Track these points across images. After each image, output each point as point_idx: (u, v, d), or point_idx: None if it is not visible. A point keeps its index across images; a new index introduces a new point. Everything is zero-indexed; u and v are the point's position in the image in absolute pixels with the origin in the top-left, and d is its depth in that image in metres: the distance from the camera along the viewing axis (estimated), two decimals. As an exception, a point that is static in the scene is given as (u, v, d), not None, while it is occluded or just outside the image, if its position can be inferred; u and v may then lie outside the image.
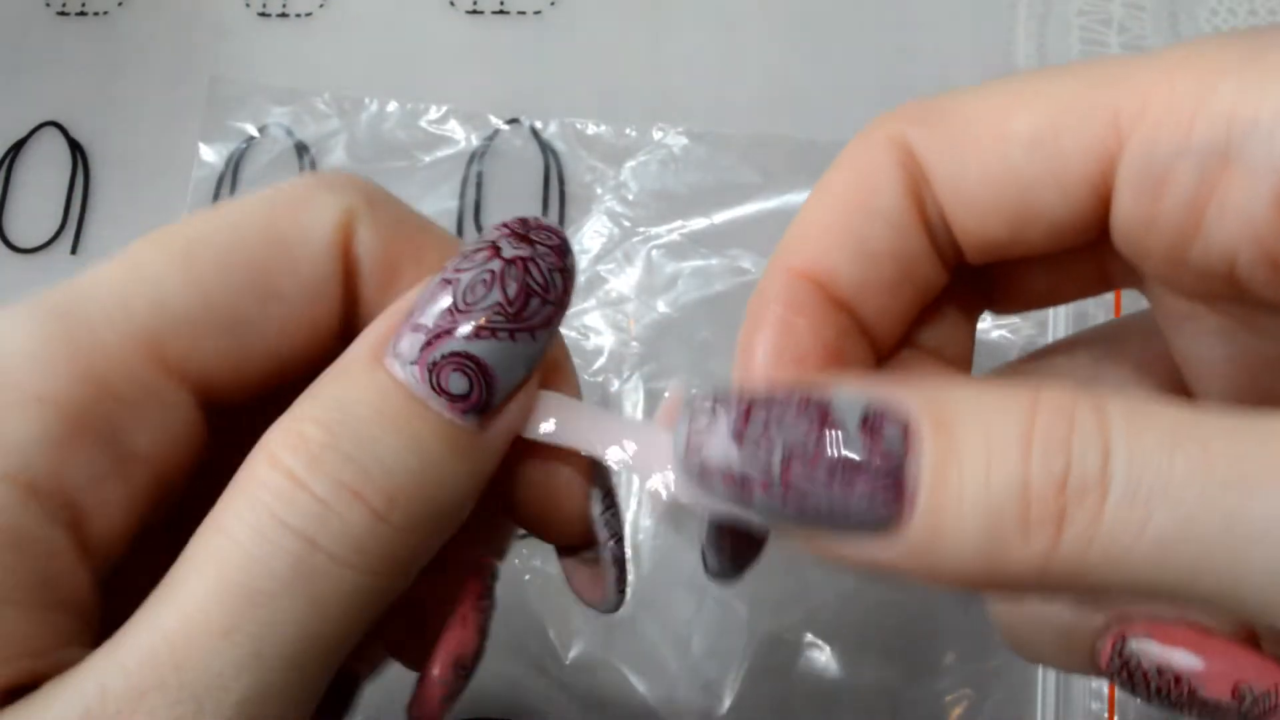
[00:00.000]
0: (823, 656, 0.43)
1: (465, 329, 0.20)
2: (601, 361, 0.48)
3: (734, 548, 0.22)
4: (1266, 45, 0.19)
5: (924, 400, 0.19)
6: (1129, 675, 0.21)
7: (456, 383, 0.20)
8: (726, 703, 0.42)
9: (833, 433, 0.19)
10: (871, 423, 0.19)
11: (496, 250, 0.21)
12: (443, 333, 0.20)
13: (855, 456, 0.19)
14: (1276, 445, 0.17)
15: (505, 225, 0.22)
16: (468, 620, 0.23)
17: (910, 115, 0.22)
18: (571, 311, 0.49)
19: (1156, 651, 0.21)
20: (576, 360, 0.48)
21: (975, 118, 0.22)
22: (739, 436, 0.19)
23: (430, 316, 0.20)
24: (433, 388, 0.20)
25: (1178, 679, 0.20)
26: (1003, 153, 0.21)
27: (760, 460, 0.19)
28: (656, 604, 0.44)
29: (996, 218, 0.22)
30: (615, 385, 0.48)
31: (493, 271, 0.21)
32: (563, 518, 0.24)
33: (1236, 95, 0.19)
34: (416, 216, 0.24)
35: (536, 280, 0.21)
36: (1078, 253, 0.23)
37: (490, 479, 0.22)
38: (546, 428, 0.22)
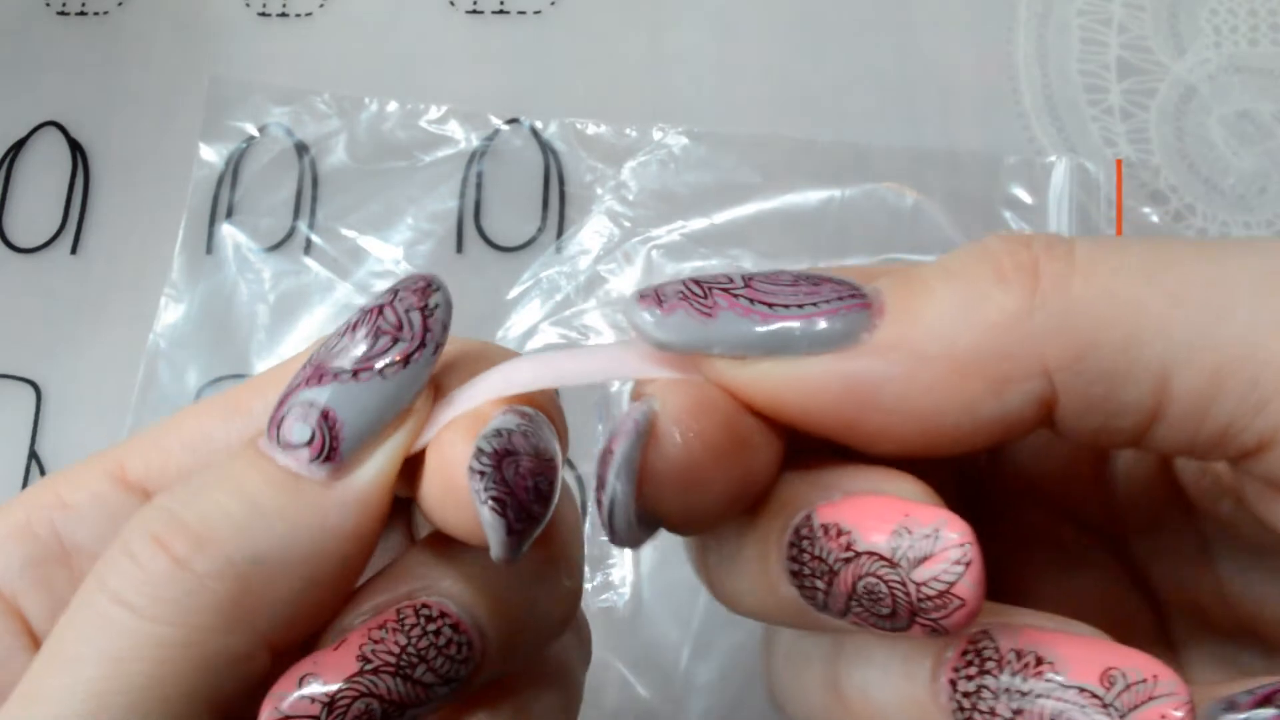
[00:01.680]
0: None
1: (311, 379, 0.20)
2: (601, 361, 0.48)
3: (640, 514, 0.20)
4: None
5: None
6: (980, 662, 0.19)
7: (298, 431, 0.20)
8: (726, 702, 0.42)
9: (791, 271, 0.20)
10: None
11: (362, 309, 0.21)
12: (295, 386, 0.20)
13: (815, 276, 0.20)
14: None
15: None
16: (347, 643, 0.20)
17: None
18: (571, 311, 0.49)
19: (1016, 637, 0.19)
20: (576, 360, 0.48)
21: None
22: (695, 280, 0.20)
23: (289, 386, 0.20)
24: (276, 441, 0.20)
25: (1039, 660, 0.18)
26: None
27: (722, 278, 0.20)
28: (656, 603, 0.44)
29: None
30: (615, 385, 0.48)
31: (347, 324, 0.20)
32: (442, 480, 0.20)
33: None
34: None
35: (388, 321, 0.20)
36: None
37: (373, 534, 0.21)
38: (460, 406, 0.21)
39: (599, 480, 0.19)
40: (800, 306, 0.19)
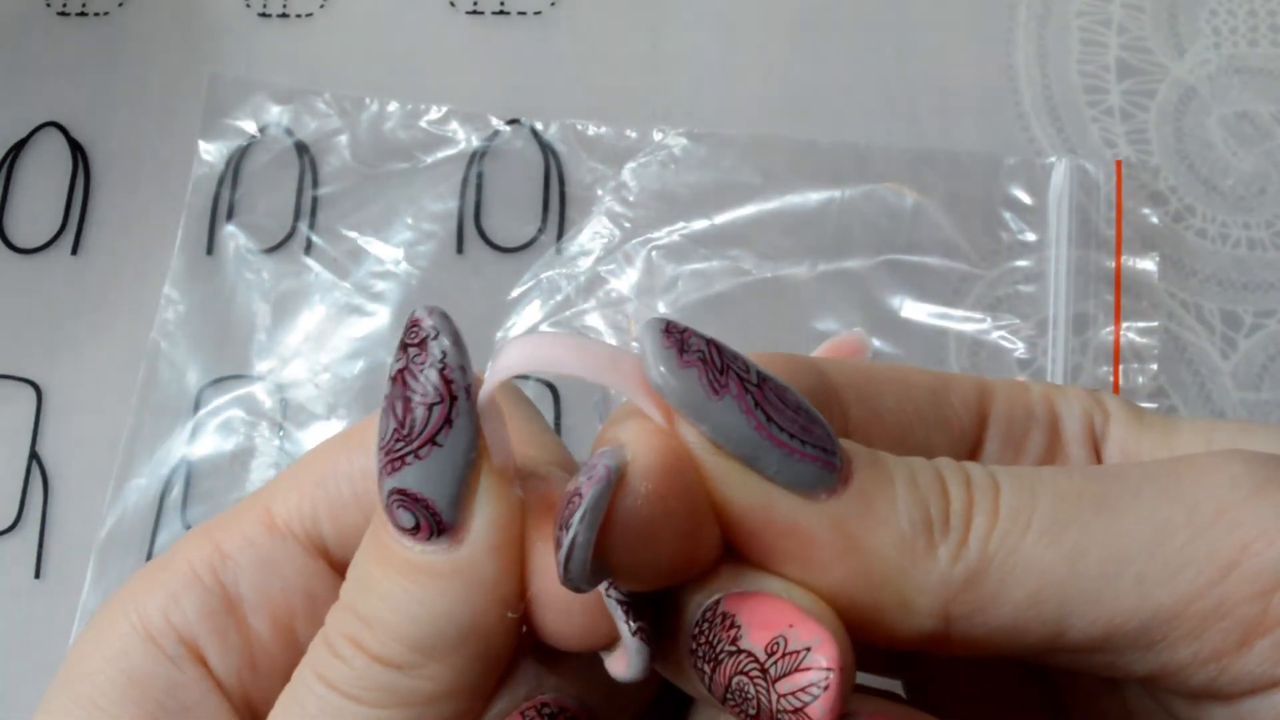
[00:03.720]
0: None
1: (385, 467, 0.21)
2: (602, 362, 0.48)
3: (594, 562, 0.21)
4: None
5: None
6: None
7: (404, 518, 0.21)
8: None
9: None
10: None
11: (390, 378, 0.21)
12: (380, 474, 0.21)
13: (813, 413, 0.21)
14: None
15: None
16: None
17: (822, 359, 0.25)
18: (571, 312, 0.49)
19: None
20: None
21: (881, 373, 0.25)
22: (718, 348, 0.21)
23: (376, 459, 0.21)
24: (396, 528, 0.21)
25: None
26: (908, 395, 0.25)
27: (740, 362, 0.20)
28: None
29: (902, 447, 0.24)
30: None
31: (387, 397, 0.21)
32: (568, 605, 0.22)
33: (1046, 389, 0.26)
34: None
35: (415, 390, 0.21)
36: None
37: (518, 584, 0.22)
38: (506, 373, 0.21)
39: (561, 521, 0.19)
40: (791, 436, 0.20)
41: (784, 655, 0.19)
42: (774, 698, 0.19)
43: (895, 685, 0.29)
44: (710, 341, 0.20)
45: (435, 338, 0.21)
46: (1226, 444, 0.24)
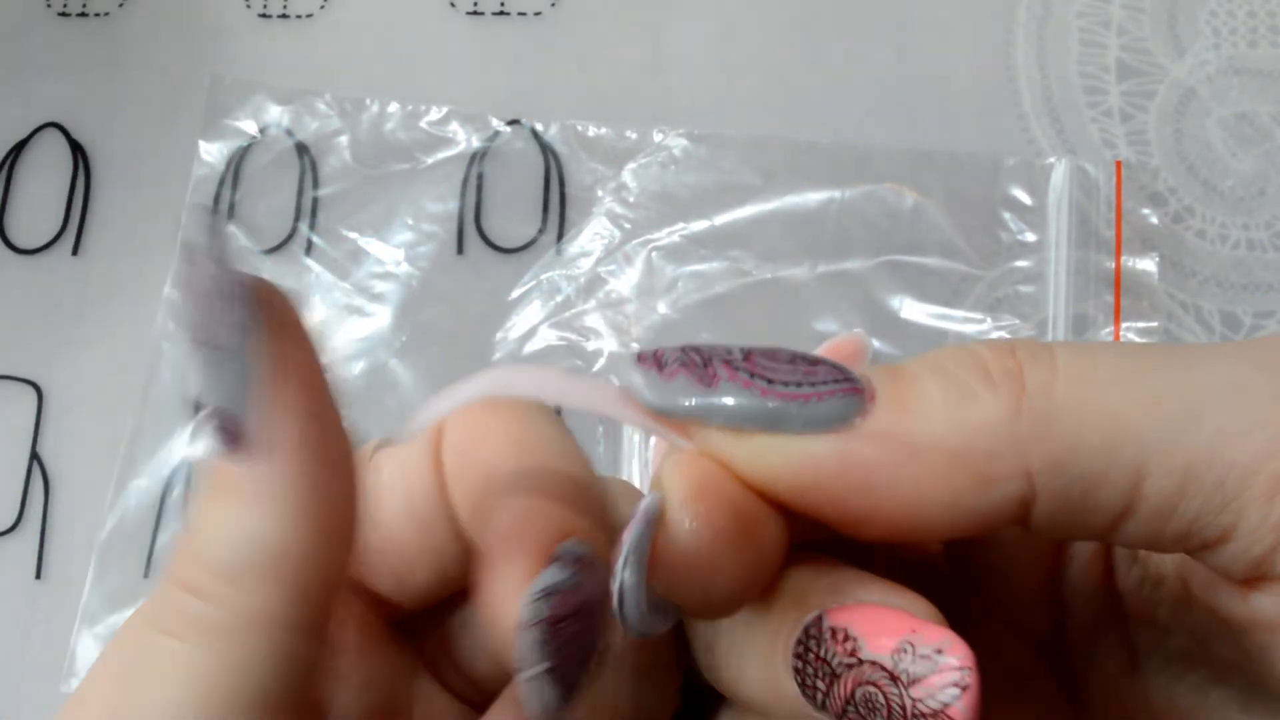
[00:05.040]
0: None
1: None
2: (602, 364, 0.48)
3: (655, 603, 0.20)
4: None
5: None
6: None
7: (214, 436, 0.19)
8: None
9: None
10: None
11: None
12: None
13: (812, 357, 0.20)
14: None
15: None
16: None
17: None
18: (571, 313, 0.49)
19: None
20: (576, 362, 0.48)
21: None
22: (695, 348, 0.20)
23: None
24: (211, 446, 0.19)
25: None
26: None
27: (721, 349, 0.20)
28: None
29: None
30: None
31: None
32: (490, 619, 0.20)
33: None
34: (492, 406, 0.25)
35: (195, 297, 0.19)
36: None
37: (340, 509, 0.20)
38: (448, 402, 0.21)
39: (610, 570, 0.19)
40: (798, 385, 0.20)
41: (915, 660, 0.19)
42: (909, 703, 0.19)
43: None
44: (683, 347, 0.20)
45: (205, 250, 0.18)
46: None
